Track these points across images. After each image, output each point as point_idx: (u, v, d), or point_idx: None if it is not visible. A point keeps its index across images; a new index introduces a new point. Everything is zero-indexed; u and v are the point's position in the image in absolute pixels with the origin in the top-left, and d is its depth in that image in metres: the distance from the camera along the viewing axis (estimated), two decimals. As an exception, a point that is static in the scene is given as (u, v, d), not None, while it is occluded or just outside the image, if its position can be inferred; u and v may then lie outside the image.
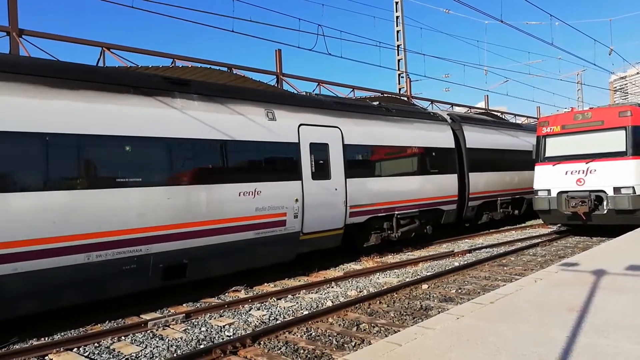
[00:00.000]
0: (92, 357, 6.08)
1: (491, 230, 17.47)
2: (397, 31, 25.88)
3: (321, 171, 10.86)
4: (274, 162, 10.02)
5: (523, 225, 19.27)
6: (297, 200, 10.14)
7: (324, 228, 10.91)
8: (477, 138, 16.89)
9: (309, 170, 10.52)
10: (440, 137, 14.90)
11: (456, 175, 15.18)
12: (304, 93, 13.41)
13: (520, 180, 18.92)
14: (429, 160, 14.23)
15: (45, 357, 6.11)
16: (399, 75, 25.86)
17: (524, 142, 20.07)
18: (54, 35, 12.40)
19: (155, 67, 12.98)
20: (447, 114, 16.82)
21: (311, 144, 10.70)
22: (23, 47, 11.51)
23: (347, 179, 11.48)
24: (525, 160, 19.34)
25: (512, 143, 19.12)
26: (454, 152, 15.31)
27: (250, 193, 9.30)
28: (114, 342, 6.57)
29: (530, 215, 20.22)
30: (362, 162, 12.24)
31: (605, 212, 13.47)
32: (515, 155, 19.04)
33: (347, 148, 11.62)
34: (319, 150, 10.91)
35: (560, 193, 14.21)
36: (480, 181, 16.54)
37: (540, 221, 17.77)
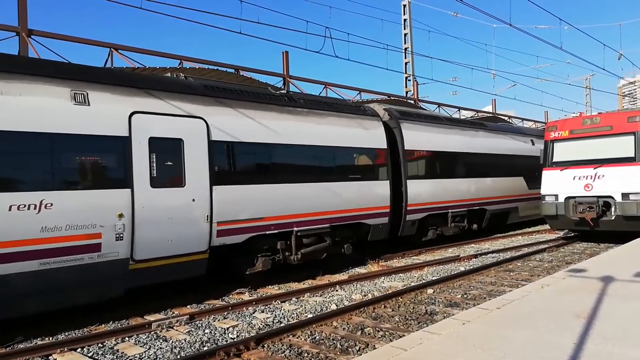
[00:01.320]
0: (96, 357, 6.08)
1: (497, 235, 17.36)
2: (405, 34, 25.85)
3: (168, 176, 8.24)
4: (81, 162, 7.39)
5: (530, 230, 19.13)
6: (121, 215, 7.57)
7: (173, 252, 8.24)
8: (420, 138, 14.10)
9: (147, 175, 7.95)
10: (366, 136, 12.12)
11: (388, 182, 12.50)
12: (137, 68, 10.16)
13: (480, 188, 16.22)
14: (347, 164, 11.55)
15: (50, 357, 6.12)
16: (406, 78, 25.84)
17: (489, 144, 17.25)
18: (63, 36, 12.49)
19: (163, 68, 13.05)
20: (384, 109, 14.00)
21: (152, 140, 8.06)
22: (32, 47, 11.60)
23: (215, 187, 8.84)
24: (488, 165, 16.85)
25: (471, 145, 16.22)
26: (386, 154, 12.58)
27: (32, 207, 6.68)
28: (117, 343, 6.57)
29: (493, 230, 18.01)
30: (241, 164, 9.59)
31: (613, 218, 13.35)
32: (474, 159, 16.19)
33: (216, 146, 8.97)
34: (167, 148, 8.25)
35: (567, 198, 14.10)
36: (424, 190, 13.85)
37: (547, 226, 17.64)
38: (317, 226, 10.72)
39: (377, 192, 12.26)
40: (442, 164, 14.85)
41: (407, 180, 13.32)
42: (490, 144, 17.36)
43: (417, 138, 14.03)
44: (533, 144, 20.24)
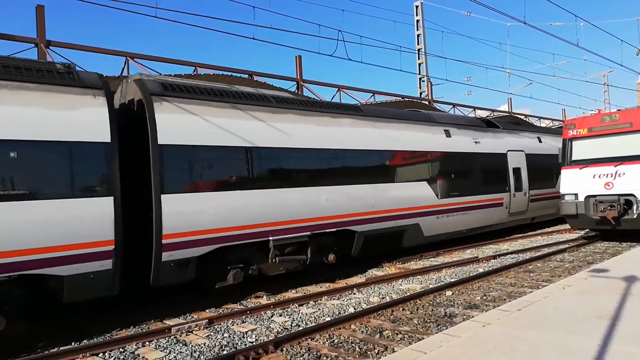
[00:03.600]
0: (117, 362, 6.15)
1: (516, 236, 17.14)
2: (418, 35, 25.76)
3: None
4: None
5: (549, 230, 18.86)
6: None
7: None
8: (201, 127, 8.83)
9: None
10: (50, 122, 7.07)
11: (111, 199, 7.39)
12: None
13: (342, 201, 10.76)
14: None
15: (72, 362, 6.20)
16: (420, 79, 25.72)
17: (359, 136, 11.64)
18: (80, 46, 12.72)
19: (178, 75, 13.19)
20: (135, 80, 8.91)
21: None
22: (50, 58, 11.82)
23: None
24: (359, 166, 11.43)
25: (322, 137, 10.77)
26: (107, 152, 7.47)
27: None
28: (138, 348, 6.64)
29: (366, 262, 12.34)
30: None
31: (635, 216, 13.09)
32: (327, 158, 10.77)
33: None
34: None
35: (588, 197, 13.87)
36: (209, 208, 8.63)
37: (567, 226, 17.37)
38: None
39: (71, 219, 7.05)
40: (254, 167, 9.52)
41: (166, 195, 8.12)
42: (362, 135, 11.71)
43: (194, 127, 8.78)
44: (449, 136, 14.40)
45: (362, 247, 11.32)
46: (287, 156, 10.03)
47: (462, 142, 14.85)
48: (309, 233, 10.11)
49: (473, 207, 14.75)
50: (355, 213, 11.08)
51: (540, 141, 18.98)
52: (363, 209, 11.26)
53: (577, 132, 14.68)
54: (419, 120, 14.03)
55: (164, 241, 8.06)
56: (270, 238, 9.48)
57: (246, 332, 7.10)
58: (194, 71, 14.37)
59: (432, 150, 13.61)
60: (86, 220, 7.18)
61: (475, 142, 15.32)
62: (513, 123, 20.37)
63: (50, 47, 12.04)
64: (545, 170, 18.39)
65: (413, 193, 12.77)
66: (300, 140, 10.34)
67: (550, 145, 19.49)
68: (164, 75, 12.72)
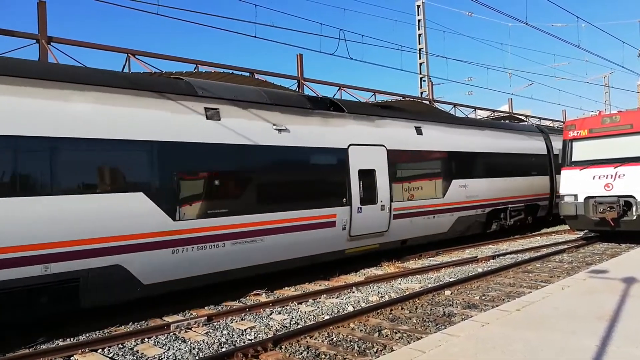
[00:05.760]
0: (116, 358, 6.16)
1: (515, 236, 17.14)
2: (419, 34, 25.73)
3: None
4: None
5: (549, 231, 18.86)
6: None
7: None
8: None
9: None
10: None
11: None
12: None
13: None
14: None
15: (71, 358, 6.22)
16: (421, 78, 25.70)
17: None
18: (81, 42, 12.69)
19: (179, 72, 13.18)
20: None
21: None
22: (52, 54, 11.81)
23: None
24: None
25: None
26: None
27: None
28: (137, 344, 6.65)
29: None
30: None
31: (634, 217, 13.10)
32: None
33: None
34: None
35: (587, 198, 13.87)
36: None
37: (566, 227, 17.38)
38: None
39: None
40: None
41: None
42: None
43: None
44: (215, 118, 8.94)
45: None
46: None
47: (245, 129, 9.36)
48: None
49: (261, 231, 9.29)
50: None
51: (419, 132, 13.40)
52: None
53: (577, 133, 14.68)
54: (134, 87, 8.21)
55: None
56: None
57: (245, 330, 7.11)
58: (195, 68, 14.35)
59: (161, 140, 8.07)
60: None
61: (278, 131, 9.90)
62: (379, 107, 13.88)
63: (51, 44, 12.03)
64: (426, 174, 13.45)
65: (101, 212, 7.26)
66: None
67: (442, 137, 14.12)
68: (166, 72, 12.72)
